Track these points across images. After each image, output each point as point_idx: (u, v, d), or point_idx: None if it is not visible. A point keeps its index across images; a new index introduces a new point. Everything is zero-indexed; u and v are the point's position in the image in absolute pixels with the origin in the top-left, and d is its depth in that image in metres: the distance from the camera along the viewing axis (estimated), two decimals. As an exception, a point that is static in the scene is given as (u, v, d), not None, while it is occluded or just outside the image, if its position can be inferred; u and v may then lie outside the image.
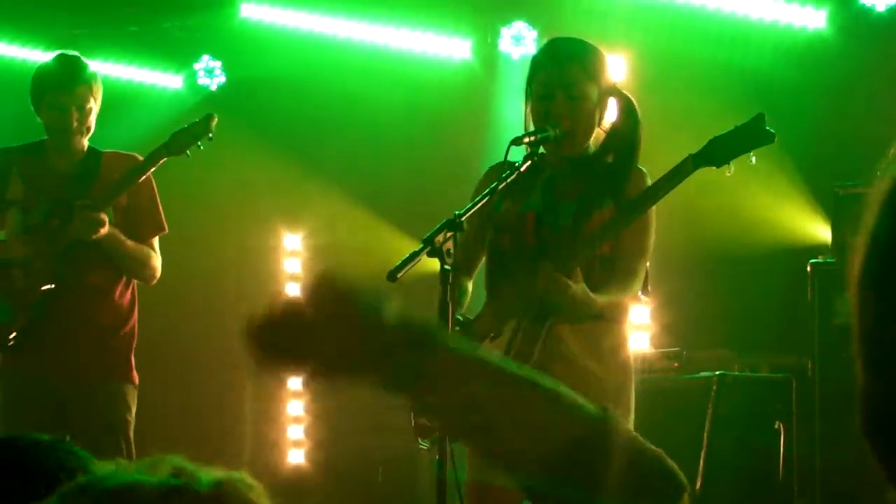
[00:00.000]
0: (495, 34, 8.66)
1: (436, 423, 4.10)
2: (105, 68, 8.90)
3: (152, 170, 5.46)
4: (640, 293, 4.44)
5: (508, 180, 4.19)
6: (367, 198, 8.84)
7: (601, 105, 4.41)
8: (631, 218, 4.23)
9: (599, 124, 4.44)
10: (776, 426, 6.60)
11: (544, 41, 5.13)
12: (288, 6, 8.96)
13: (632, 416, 4.35)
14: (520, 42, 8.59)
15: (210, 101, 9.02)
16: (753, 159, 4.15)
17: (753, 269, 7.69)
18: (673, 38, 7.98)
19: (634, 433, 1.55)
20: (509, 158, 4.22)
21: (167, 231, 5.65)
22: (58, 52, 5.71)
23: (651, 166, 4.47)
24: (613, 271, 4.27)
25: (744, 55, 7.84)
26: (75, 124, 5.46)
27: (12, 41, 9.11)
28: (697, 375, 6.76)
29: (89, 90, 5.48)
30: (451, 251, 3.92)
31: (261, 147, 8.91)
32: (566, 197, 4.39)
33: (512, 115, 5.89)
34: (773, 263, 7.54)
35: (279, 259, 9.59)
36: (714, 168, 4.19)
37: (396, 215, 8.47)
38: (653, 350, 7.45)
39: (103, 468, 1.46)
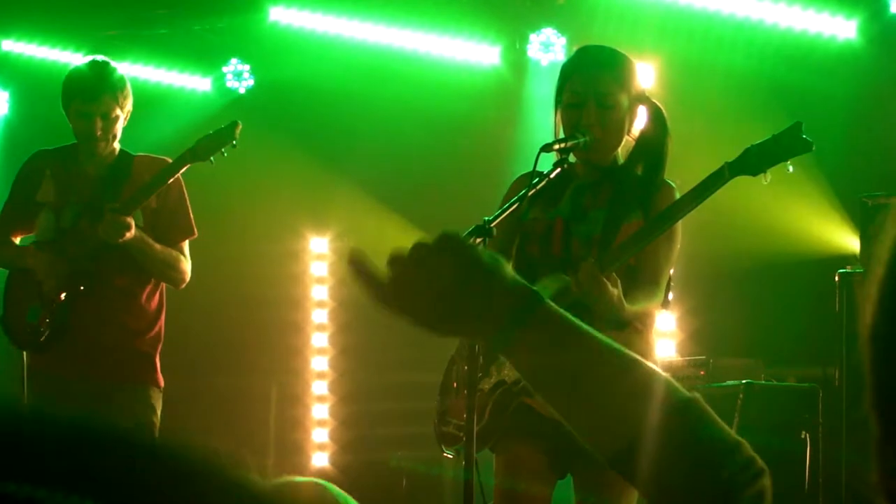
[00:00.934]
0: (524, 40, 8.67)
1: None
2: (135, 70, 8.95)
3: (177, 175, 5.48)
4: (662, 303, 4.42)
5: (538, 187, 4.18)
6: (395, 201, 8.85)
7: (631, 113, 4.41)
8: (661, 230, 4.21)
9: (629, 132, 4.43)
10: (802, 436, 6.59)
11: (574, 49, 5.13)
12: (317, 10, 8.98)
13: None
14: (549, 49, 8.60)
15: (238, 104, 9.06)
16: (791, 168, 4.12)
17: (781, 278, 7.68)
18: (702, 47, 7.97)
19: (719, 420, 1.59)
20: (538, 166, 4.21)
21: (197, 235, 5.66)
22: (89, 57, 5.73)
23: (678, 174, 4.46)
24: (637, 281, 4.25)
25: (773, 64, 7.82)
26: (99, 133, 5.47)
27: (44, 43, 9.17)
28: (724, 384, 6.75)
29: (114, 99, 5.48)
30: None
31: (288, 150, 8.93)
32: (595, 206, 4.38)
33: (540, 121, 5.90)
34: (801, 273, 7.52)
35: (306, 262, 9.61)
36: (749, 177, 4.16)
37: (424, 220, 8.46)
38: (679, 358, 7.44)
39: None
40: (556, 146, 4.26)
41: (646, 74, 7.46)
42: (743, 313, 7.73)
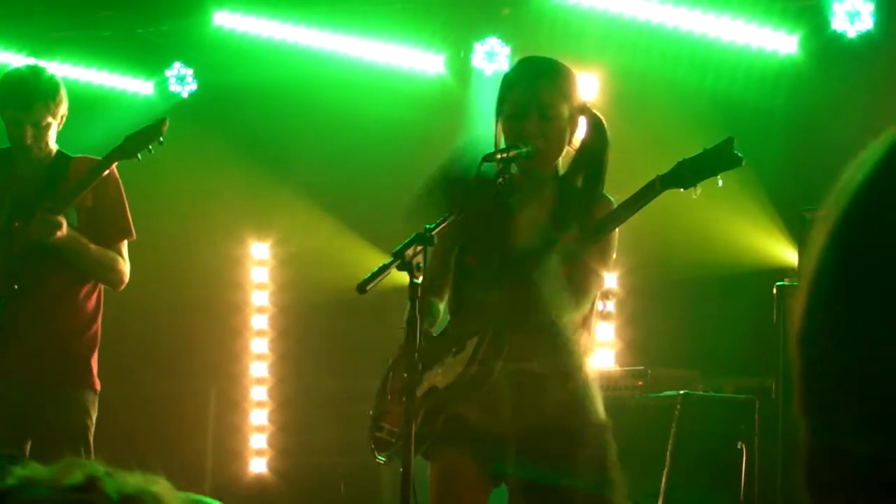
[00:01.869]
0: (469, 49, 8.69)
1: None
2: (78, 72, 8.90)
3: (106, 172, 5.42)
4: (601, 308, 4.45)
5: (475, 205, 4.21)
6: (337, 208, 8.85)
7: (572, 124, 4.43)
8: (595, 240, 4.25)
9: (570, 143, 4.45)
10: (739, 446, 6.63)
11: (517, 59, 5.15)
12: (261, 15, 8.95)
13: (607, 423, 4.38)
14: (493, 58, 8.62)
15: (181, 108, 9.01)
16: (721, 182, 4.16)
17: (720, 289, 7.73)
18: (646, 58, 8.02)
19: None
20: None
21: (135, 237, 5.62)
22: (25, 62, 5.68)
23: (618, 185, 4.49)
24: (568, 290, 4.27)
25: (715, 77, 7.88)
26: (30, 141, 5.44)
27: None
28: (662, 394, 6.78)
29: (46, 108, 5.44)
30: (421, 265, 3.93)
31: (230, 155, 8.90)
32: (534, 217, 4.40)
33: (484, 130, 5.91)
34: (740, 285, 7.58)
35: (247, 267, 9.58)
36: (681, 190, 4.20)
37: (366, 227, 8.47)
38: (617, 368, 7.47)
39: (14, 474, 1.41)
40: (498, 156, 4.27)
41: (589, 85, 7.50)
42: (681, 324, 7.78)
